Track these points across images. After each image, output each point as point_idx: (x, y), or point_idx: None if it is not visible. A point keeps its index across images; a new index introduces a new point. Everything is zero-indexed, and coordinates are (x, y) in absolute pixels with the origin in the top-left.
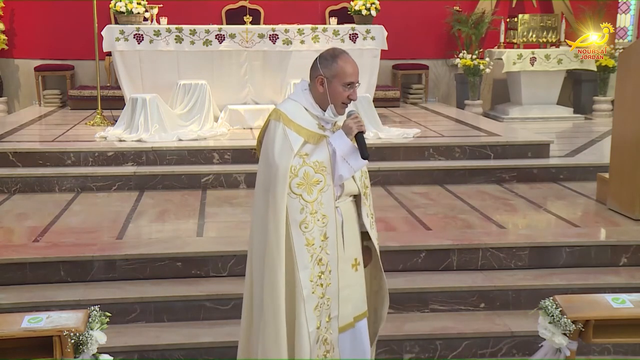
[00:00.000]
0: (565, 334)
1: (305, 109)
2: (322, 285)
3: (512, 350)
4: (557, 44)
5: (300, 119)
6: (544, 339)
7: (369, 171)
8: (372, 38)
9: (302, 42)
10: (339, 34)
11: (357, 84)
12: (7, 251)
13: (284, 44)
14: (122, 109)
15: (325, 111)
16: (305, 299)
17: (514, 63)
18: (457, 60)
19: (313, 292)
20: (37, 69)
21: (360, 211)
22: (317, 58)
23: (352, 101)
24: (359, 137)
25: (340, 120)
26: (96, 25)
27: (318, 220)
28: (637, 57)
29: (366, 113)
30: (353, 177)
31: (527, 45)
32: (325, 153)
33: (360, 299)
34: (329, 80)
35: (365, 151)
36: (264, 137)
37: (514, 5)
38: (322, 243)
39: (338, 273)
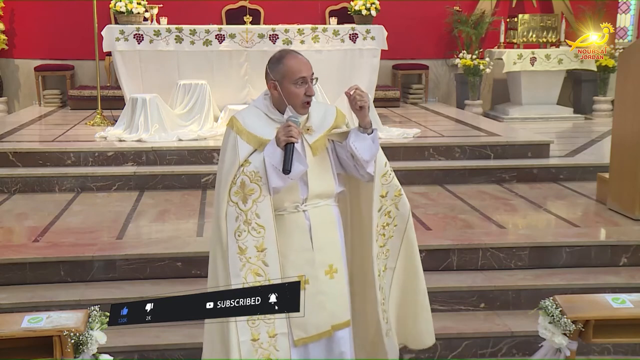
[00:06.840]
0: (565, 334)
1: (266, 114)
2: None
3: (512, 350)
4: (557, 44)
5: (256, 126)
6: (544, 339)
7: None
8: (372, 38)
9: (302, 42)
10: (338, 34)
11: (311, 78)
12: (7, 251)
13: (284, 44)
14: (122, 109)
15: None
16: None
17: (514, 63)
18: (457, 60)
19: None
20: (37, 69)
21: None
22: (267, 63)
23: (311, 97)
24: (287, 148)
25: (315, 122)
26: (96, 25)
27: (253, 229)
28: (637, 57)
29: None
30: (325, 177)
31: (527, 45)
32: (260, 162)
33: (338, 307)
34: (280, 82)
35: (287, 164)
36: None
37: (514, 5)
38: (259, 254)
39: None
